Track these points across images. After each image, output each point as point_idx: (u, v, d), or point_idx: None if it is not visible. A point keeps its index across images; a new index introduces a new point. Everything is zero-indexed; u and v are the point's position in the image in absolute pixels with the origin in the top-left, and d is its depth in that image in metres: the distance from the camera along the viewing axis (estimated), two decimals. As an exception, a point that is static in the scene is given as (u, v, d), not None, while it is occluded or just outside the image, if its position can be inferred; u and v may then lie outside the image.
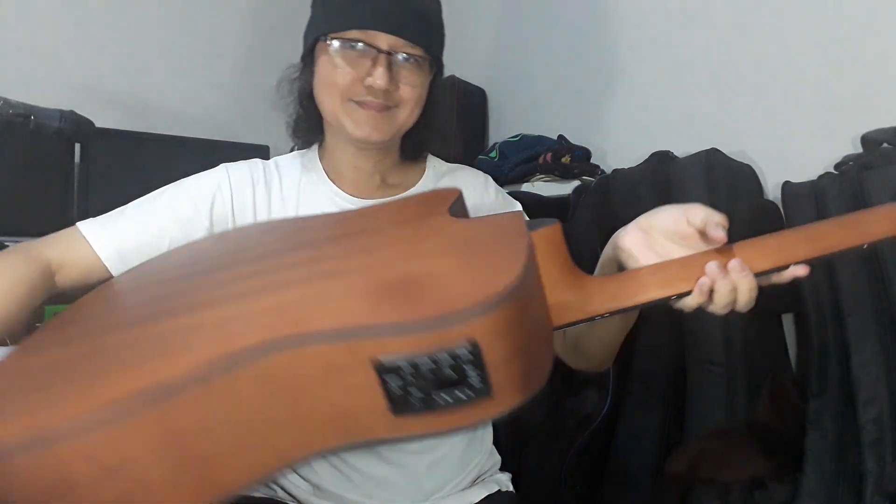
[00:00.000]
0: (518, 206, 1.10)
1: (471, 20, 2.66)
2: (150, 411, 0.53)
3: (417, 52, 0.94)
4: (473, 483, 1.03)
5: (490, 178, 1.14)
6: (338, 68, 0.93)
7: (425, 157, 1.13)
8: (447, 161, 1.16)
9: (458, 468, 1.01)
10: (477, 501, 1.00)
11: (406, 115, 0.98)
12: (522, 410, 0.57)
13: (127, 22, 2.51)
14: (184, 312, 0.67)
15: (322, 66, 0.96)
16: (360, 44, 0.92)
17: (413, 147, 1.06)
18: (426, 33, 0.95)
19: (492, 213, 0.94)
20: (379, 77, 0.91)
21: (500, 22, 2.58)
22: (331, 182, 1.05)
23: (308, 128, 1.05)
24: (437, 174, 1.11)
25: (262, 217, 1.02)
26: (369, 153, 1.03)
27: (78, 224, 0.94)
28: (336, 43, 0.93)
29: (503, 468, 1.12)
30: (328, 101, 0.98)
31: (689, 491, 1.34)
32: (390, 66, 0.92)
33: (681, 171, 1.57)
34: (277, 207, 1.03)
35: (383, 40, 0.92)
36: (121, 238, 0.93)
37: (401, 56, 0.93)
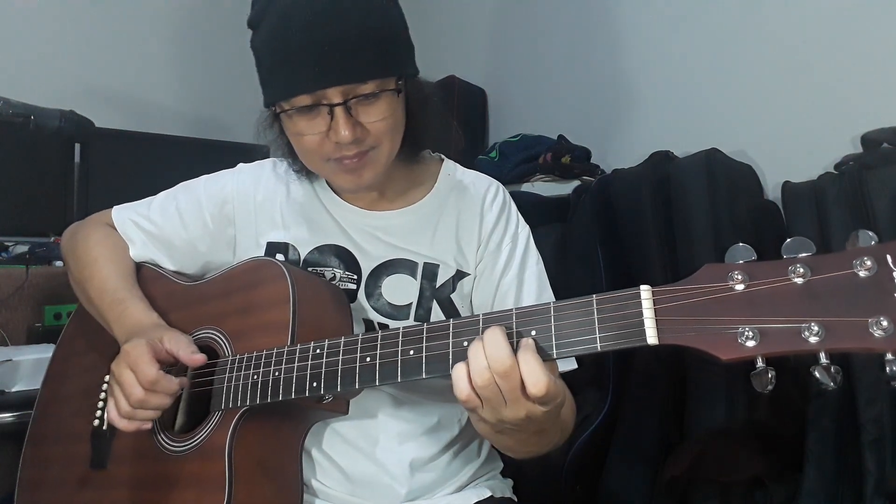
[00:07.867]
0: (524, 231, 1.05)
1: (471, 20, 2.66)
2: None
3: (372, 87, 0.86)
4: (462, 488, 1.02)
5: (499, 201, 1.04)
6: (303, 135, 0.89)
7: (439, 161, 1.08)
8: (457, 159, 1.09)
9: (444, 473, 1.00)
10: None
11: (388, 148, 0.92)
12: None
13: (126, 22, 2.51)
14: None
15: (288, 129, 0.93)
16: (313, 106, 0.87)
17: (407, 151, 1.00)
18: (377, 61, 0.86)
19: (483, 243, 1.00)
20: (342, 131, 0.85)
21: (501, 22, 2.58)
22: (335, 194, 1.04)
23: (301, 168, 1.02)
24: (447, 188, 1.05)
25: (263, 219, 1.04)
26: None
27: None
28: (289, 110, 0.88)
29: (504, 472, 1.10)
30: (308, 163, 0.96)
31: (689, 491, 1.33)
32: (351, 113, 0.86)
33: (681, 171, 1.57)
34: (280, 208, 1.04)
35: (334, 94, 0.85)
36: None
37: (357, 99, 0.86)
